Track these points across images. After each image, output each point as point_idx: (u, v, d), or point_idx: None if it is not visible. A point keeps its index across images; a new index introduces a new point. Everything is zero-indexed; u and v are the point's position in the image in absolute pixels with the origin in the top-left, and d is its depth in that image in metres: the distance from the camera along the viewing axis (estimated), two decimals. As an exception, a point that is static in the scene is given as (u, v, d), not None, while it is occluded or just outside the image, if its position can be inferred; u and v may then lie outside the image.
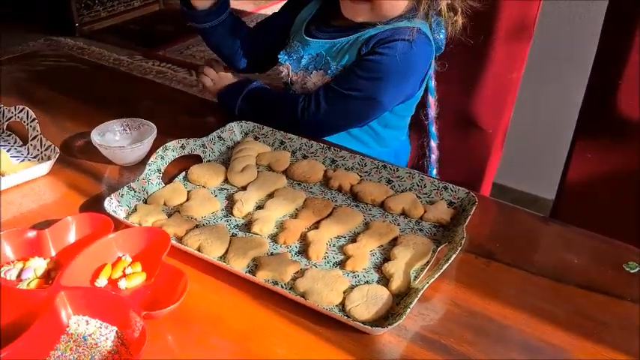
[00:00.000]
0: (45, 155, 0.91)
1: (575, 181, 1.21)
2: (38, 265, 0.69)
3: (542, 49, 1.10)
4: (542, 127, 1.22)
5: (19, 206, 0.83)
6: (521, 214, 0.85)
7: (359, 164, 0.91)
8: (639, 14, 1.03)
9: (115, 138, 0.94)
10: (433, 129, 1.13)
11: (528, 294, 0.71)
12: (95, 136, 0.91)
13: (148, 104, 1.12)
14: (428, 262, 0.74)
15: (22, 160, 0.92)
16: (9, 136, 0.98)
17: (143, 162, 0.92)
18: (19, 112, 0.98)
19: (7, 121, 1.00)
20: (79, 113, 1.07)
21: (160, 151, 0.88)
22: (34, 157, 0.92)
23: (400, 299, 0.68)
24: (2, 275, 0.68)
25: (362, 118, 1.02)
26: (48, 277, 0.69)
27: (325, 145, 0.93)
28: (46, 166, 0.87)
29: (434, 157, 1.16)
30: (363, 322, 0.63)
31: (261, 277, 0.70)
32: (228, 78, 1.09)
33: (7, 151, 0.94)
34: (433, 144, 1.15)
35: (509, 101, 1.11)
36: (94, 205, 0.83)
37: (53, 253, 0.72)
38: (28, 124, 0.95)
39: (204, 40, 1.11)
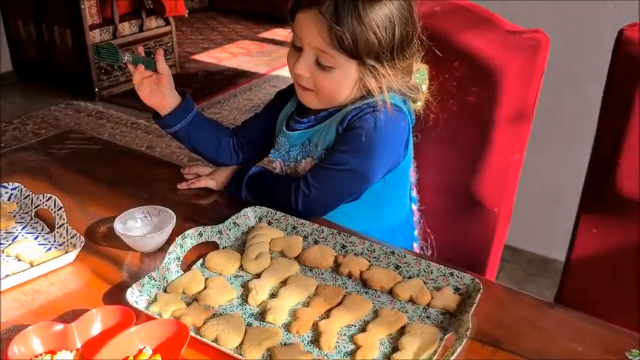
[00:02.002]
0: (71, 243, 0.96)
1: (580, 258, 1.23)
2: (66, 359, 0.73)
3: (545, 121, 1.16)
4: (550, 189, 1.26)
5: (46, 295, 0.88)
6: (526, 299, 0.88)
7: (368, 250, 0.95)
8: (636, 93, 1.08)
9: (136, 225, 1.00)
10: (413, 193, 1.20)
11: (533, 385, 0.73)
12: (118, 225, 0.97)
13: (166, 187, 1.18)
14: (435, 352, 0.76)
15: (49, 249, 0.97)
16: (36, 223, 1.04)
17: (163, 248, 0.97)
18: (46, 200, 1.04)
19: (35, 208, 1.05)
20: (103, 198, 1.12)
21: (179, 239, 0.93)
22: (60, 245, 0.98)
23: (409, 391, 0.71)
24: (30, 368, 0.72)
25: (350, 192, 1.07)
26: (73, 369, 0.73)
27: (335, 231, 0.98)
28: (72, 255, 0.92)
29: (415, 218, 1.21)
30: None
31: (275, 369, 0.73)
32: (224, 169, 1.16)
33: (35, 238, 1.00)
34: (414, 207, 1.20)
35: (512, 181, 1.16)
36: (116, 293, 0.87)
37: (79, 345, 0.76)
38: (55, 212, 1.01)
39: (181, 143, 1.19)
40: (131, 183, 1.19)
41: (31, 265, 0.92)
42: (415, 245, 1.21)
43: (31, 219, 1.05)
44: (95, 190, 1.16)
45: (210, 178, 1.15)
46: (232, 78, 4.30)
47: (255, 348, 0.76)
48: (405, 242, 1.17)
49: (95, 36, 3.79)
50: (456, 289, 0.88)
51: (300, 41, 1.01)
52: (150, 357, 0.74)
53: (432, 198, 1.18)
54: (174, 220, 0.97)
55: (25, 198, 1.08)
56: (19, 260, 0.94)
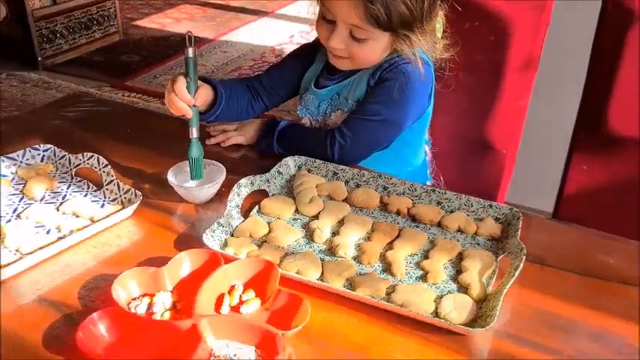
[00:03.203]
0: (125, 198, 0.98)
1: (572, 192, 1.37)
2: (165, 299, 0.77)
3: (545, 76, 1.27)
4: (538, 143, 1.39)
5: (116, 247, 0.90)
6: (556, 225, 0.99)
7: (409, 189, 1.03)
8: (628, 30, 1.19)
9: (186, 178, 1.03)
10: (426, 136, 1.28)
11: (582, 291, 0.84)
12: (171, 177, 1.00)
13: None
14: (494, 271, 0.86)
15: (103, 205, 0.99)
16: (80, 182, 1.05)
17: (212, 199, 1.01)
18: (88, 159, 1.05)
19: (75, 167, 1.06)
20: (134, 156, 1.14)
21: (235, 188, 0.97)
22: (113, 201, 0.99)
23: (481, 304, 0.80)
24: (133, 310, 0.76)
25: (383, 141, 1.14)
26: (174, 308, 0.78)
27: (376, 174, 1.05)
28: (131, 209, 0.95)
29: (428, 157, 1.30)
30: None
31: (362, 294, 0.80)
32: (250, 124, 1.19)
33: (84, 196, 1.01)
34: (426, 148, 1.30)
35: (519, 125, 1.26)
36: (183, 241, 0.91)
37: (170, 287, 0.80)
38: (100, 170, 1.02)
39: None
40: (157, 141, 1.21)
41: (92, 221, 0.94)
42: (428, 185, 1.30)
43: (72, 178, 1.06)
44: (122, 148, 1.17)
45: (239, 134, 1.19)
46: (180, 44, 4.22)
47: (336, 278, 0.83)
48: (421, 182, 1.26)
49: (35, 2, 3.61)
50: (496, 219, 0.97)
51: (332, 15, 1.05)
52: (243, 292, 0.80)
53: (444, 141, 1.27)
54: (225, 172, 1.01)
55: (60, 158, 1.08)
56: (78, 217, 0.95)
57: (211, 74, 3.64)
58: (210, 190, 1.00)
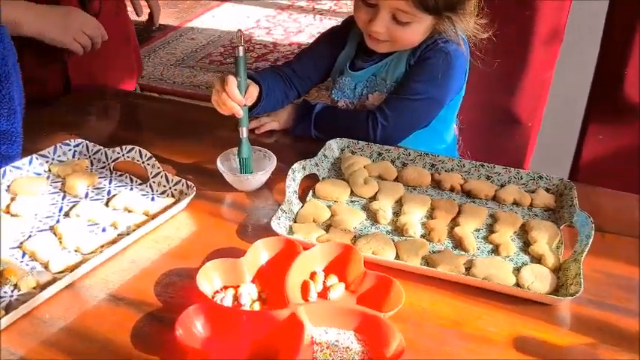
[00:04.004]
0: (175, 190, 0.95)
1: (588, 161, 1.41)
2: (251, 290, 0.76)
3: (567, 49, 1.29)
4: (558, 115, 1.41)
5: (178, 240, 0.88)
6: (602, 191, 1.02)
7: (458, 165, 1.03)
8: None
9: (233, 165, 1.00)
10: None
11: (645, 255, 0.87)
12: (221, 166, 0.97)
13: (226, 132, 1.18)
14: (560, 241, 0.88)
15: (152, 198, 0.95)
16: (121, 175, 1.01)
17: (260, 187, 0.99)
18: (127, 152, 1.01)
19: (113, 162, 1.02)
20: (170, 147, 1.10)
21: (290, 174, 0.96)
22: (162, 194, 0.96)
23: (557, 273, 0.82)
24: (219, 302, 0.74)
25: (426, 119, 1.14)
26: (259, 298, 0.76)
27: (423, 152, 1.05)
28: (186, 201, 0.92)
29: (455, 133, 1.31)
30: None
31: (443, 270, 0.81)
32: (282, 109, 1.17)
33: (131, 190, 0.97)
34: (454, 126, 1.31)
35: (543, 97, 1.29)
36: (246, 231, 0.90)
37: (250, 278, 0.79)
38: (144, 163, 0.99)
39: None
40: (192, 130, 1.18)
41: (148, 215, 0.91)
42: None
43: (112, 173, 1.02)
44: (155, 140, 1.13)
45: (272, 120, 1.17)
46: (144, 32, 4.09)
47: (413, 257, 0.83)
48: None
49: None
50: (546, 190, 0.99)
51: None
52: (325, 277, 0.79)
53: (472, 116, 1.28)
54: (275, 159, 0.99)
55: (95, 153, 1.04)
56: (130, 212, 0.92)
57: (182, 62, 3.56)
58: (262, 177, 0.98)
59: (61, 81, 1.34)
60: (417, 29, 1.04)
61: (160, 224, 0.89)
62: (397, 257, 0.84)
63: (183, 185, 0.95)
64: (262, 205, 0.96)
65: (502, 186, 1.01)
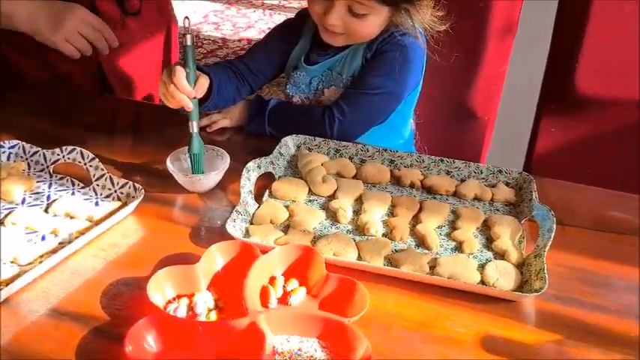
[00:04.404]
0: (121, 193, 0.89)
1: (541, 154, 1.42)
2: (207, 298, 0.71)
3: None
4: (512, 108, 1.42)
5: (127, 247, 0.82)
6: (564, 186, 1.01)
7: (417, 161, 1.01)
8: None
9: (183, 166, 0.95)
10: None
11: (605, 247, 0.87)
12: (171, 166, 0.92)
13: (174, 130, 1.12)
14: (522, 235, 0.87)
15: (97, 203, 0.89)
16: (62, 179, 0.94)
17: (215, 187, 0.94)
18: (68, 154, 0.94)
19: (53, 164, 0.95)
20: (113, 146, 1.04)
21: (245, 173, 0.91)
22: (107, 197, 0.90)
23: (521, 269, 0.80)
24: (172, 313, 0.69)
25: (384, 114, 1.12)
26: (216, 307, 0.71)
27: (381, 148, 1.02)
28: (133, 205, 0.86)
29: (412, 128, 1.29)
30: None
31: (407, 270, 0.78)
32: (234, 106, 1.12)
33: (72, 194, 0.91)
34: (412, 120, 1.29)
35: (498, 91, 1.28)
36: (200, 235, 0.85)
37: (205, 285, 0.74)
38: (86, 164, 0.92)
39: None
40: (135, 128, 1.11)
41: (92, 221, 0.84)
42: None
43: (51, 176, 0.95)
44: (98, 140, 1.06)
45: (223, 117, 1.12)
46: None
47: (375, 257, 0.80)
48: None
49: None
50: (506, 184, 0.98)
51: None
52: (285, 282, 0.75)
53: (428, 111, 1.26)
54: (228, 158, 0.95)
55: (32, 155, 0.96)
56: (73, 218, 0.85)
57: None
58: (216, 177, 0.93)
59: (96, 78, 1.25)
60: (374, 21, 1.01)
61: (106, 230, 0.83)
62: (359, 258, 0.81)
63: (129, 188, 0.89)
64: (216, 207, 0.91)
65: (462, 181, 0.99)
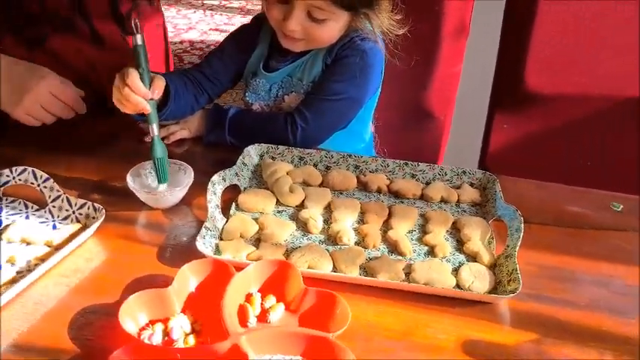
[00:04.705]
0: (80, 214, 0.85)
1: (495, 151, 1.44)
2: (183, 322, 0.68)
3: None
4: (465, 109, 1.44)
5: (90, 272, 0.78)
6: (525, 183, 1.03)
7: (382, 165, 1.01)
8: None
9: (146, 182, 0.91)
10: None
11: (568, 242, 0.89)
12: (133, 184, 0.88)
13: (130, 144, 1.08)
14: (492, 236, 0.88)
15: (54, 226, 0.84)
16: (14, 202, 0.88)
17: (178, 203, 0.91)
18: (18, 175, 0.88)
19: (2, 186, 0.89)
20: (71, 164, 0.99)
21: (210, 187, 0.88)
22: (65, 219, 0.85)
23: (493, 270, 0.82)
24: (146, 341, 0.66)
25: (346, 119, 1.11)
26: (193, 331, 0.69)
27: (345, 154, 1.02)
28: (94, 227, 0.82)
29: (372, 132, 1.30)
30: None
31: (384, 279, 0.77)
32: (192, 116, 1.09)
33: (26, 218, 0.85)
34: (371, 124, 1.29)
35: (453, 91, 1.30)
36: (168, 254, 0.82)
37: (179, 308, 0.71)
38: (39, 185, 0.87)
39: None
40: (90, 144, 1.06)
41: (50, 246, 0.80)
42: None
43: (1, 199, 0.89)
44: (48, 158, 1.00)
45: (181, 128, 1.08)
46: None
47: (351, 267, 0.79)
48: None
49: None
50: (471, 185, 0.99)
51: None
52: (263, 299, 0.73)
53: (386, 113, 1.26)
54: (192, 173, 0.91)
55: (-22, 178, 0.90)
56: (30, 244, 0.80)
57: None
58: (180, 193, 0.90)
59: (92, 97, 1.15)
60: (334, 27, 1.00)
61: (67, 255, 0.79)
62: (334, 268, 0.80)
63: (89, 208, 0.85)
64: (182, 224, 0.88)
65: (427, 184, 0.99)
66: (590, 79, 1.34)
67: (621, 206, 0.98)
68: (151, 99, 0.88)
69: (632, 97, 1.35)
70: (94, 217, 0.84)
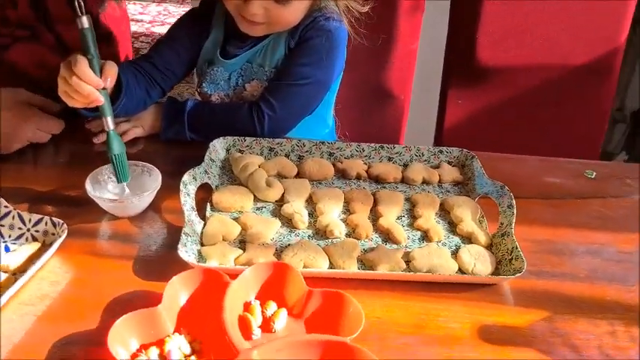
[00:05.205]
0: (36, 232, 0.75)
1: (452, 126, 1.44)
2: (181, 343, 0.61)
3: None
4: (421, 86, 1.42)
5: (60, 296, 0.68)
6: (499, 158, 1.02)
7: (357, 150, 0.96)
8: None
9: (107, 188, 0.82)
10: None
11: (553, 214, 0.89)
12: (93, 192, 0.78)
13: (78, 145, 0.97)
14: (482, 214, 0.85)
15: (6, 248, 0.73)
16: (-47, 224, 0.77)
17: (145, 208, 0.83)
18: (-45, 192, 0.77)
19: (-64, 207, 0.77)
20: (18, 174, 0.87)
21: (182, 188, 0.80)
22: (18, 239, 0.75)
23: (490, 249, 0.79)
24: (142, 370, 0.58)
25: (314, 104, 1.05)
26: (194, 351, 0.62)
27: (318, 142, 0.96)
28: (56, 245, 0.72)
29: (333, 115, 1.25)
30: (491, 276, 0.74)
31: (384, 270, 0.73)
32: (145, 112, 1.00)
33: (-28, 242, 0.74)
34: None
35: (411, 69, 1.27)
36: (146, 267, 0.73)
37: (171, 327, 0.64)
38: (-17, 203, 0.76)
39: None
40: (36, 149, 0.95)
41: (7, 272, 0.70)
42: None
43: (-64, 222, 0.77)
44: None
45: (134, 126, 0.99)
46: None
47: (348, 261, 0.74)
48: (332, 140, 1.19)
49: None
50: (449, 163, 0.97)
51: None
52: (263, 306, 0.67)
53: (346, 95, 1.21)
54: (159, 175, 0.83)
55: None
56: (-19, 271, 0.70)
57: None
58: (148, 198, 0.81)
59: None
60: (298, 7, 0.93)
61: (28, 281, 0.69)
62: (330, 264, 0.75)
63: (47, 224, 0.75)
64: (153, 231, 0.80)
65: (405, 166, 0.96)
66: (539, 50, 1.35)
67: (594, 173, 0.99)
68: (104, 88, 0.78)
69: (579, 65, 1.37)
70: (53, 234, 0.74)
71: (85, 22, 0.75)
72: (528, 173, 0.99)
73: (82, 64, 0.75)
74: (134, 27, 3.52)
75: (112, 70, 0.80)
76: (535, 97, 1.36)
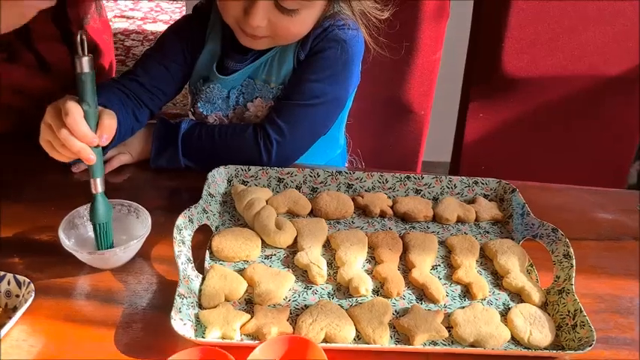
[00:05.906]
0: (-2, 292, 0.61)
1: (472, 141, 1.31)
2: None
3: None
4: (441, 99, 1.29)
5: (23, 382, 0.55)
6: (536, 188, 0.89)
7: (379, 181, 0.83)
8: None
9: (85, 234, 0.68)
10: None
11: (612, 259, 0.76)
12: (66, 240, 0.65)
13: (57, 177, 0.83)
14: (530, 262, 0.72)
15: (-39, 312, 0.60)
16: None
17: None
18: None
19: None
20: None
21: (176, 235, 0.66)
22: (-24, 301, 0.61)
23: (545, 308, 0.66)
24: None
25: (328, 125, 0.91)
26: None
27: (334, 171, 0.83)
28: (22, 311, 0.59)
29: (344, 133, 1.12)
30: (549, 349, 0.61)
31: (420, 342, 0.60)
32: (134, 138, 0.86)
33: None
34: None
35: (433, 80, 1.13)
36: (133, 340, 0.60)
37: None
38: None
39: None
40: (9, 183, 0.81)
41: (-42, 347, 0.56)
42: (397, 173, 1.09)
43: None
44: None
45: (120, 153, 0.85)
46: None
47: (379, 329, 0.61)
48: (343, 161, 1.06)
49: None
50: (484, 197, 0.84)
51: None
52: (277, 395, 0.53)
53: (359, 110, 1.08)
54: (148, 217, 0.69)
55: None
56: None
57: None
58: (136, 246, 0.67)
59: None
60: (307, 17, 0.79)
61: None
62: (357, 332, 0.61)
63: (9, 283, 0.61)
64: (141, 288, 0.66)
65: (435, 199, 0.83)
66: (570, 59, 1.22)
67: (651, 207, 0.86)
68: (97, 145, 0.65)
69: (613, 76, 1.25)
70: (17, 296, 0.60)
71: (85, 64, 0.61)
72: (575, 208, 0.86)
73: (76, 115, 0.61)
74: (125, 24, 3.37)
75: (110, 124, 0.66)
76: (562, 112, 1.23)
